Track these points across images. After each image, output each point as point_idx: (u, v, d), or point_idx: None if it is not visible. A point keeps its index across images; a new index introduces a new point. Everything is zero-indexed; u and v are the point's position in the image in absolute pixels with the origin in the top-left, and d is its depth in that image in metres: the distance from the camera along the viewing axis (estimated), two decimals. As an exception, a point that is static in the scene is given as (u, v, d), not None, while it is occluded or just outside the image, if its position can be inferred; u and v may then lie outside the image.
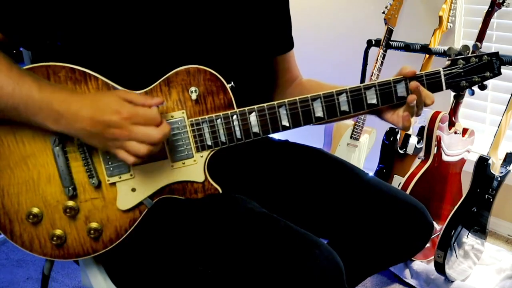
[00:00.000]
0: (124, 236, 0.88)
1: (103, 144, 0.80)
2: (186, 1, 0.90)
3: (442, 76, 0.92)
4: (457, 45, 1.87)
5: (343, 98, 0.90)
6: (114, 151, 0.80)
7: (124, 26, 0.85)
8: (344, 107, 0.90)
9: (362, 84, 0.90)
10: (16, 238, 0.85)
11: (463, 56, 0.93)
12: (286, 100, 0.88)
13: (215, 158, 0.90)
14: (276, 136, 1.15)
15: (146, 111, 0.79)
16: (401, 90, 0.91)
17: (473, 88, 0.95)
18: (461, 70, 0.92)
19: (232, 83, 0.88)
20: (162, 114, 0.84)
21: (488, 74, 0.93)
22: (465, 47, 0.93)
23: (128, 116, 0.77)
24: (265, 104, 0.88)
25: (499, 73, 0.94)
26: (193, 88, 0.86)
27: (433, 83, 0.91)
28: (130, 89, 0.85)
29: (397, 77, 0.91)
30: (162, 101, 0.82)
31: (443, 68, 0.92)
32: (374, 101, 0.91)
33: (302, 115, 0.89)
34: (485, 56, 0.93)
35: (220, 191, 0.90)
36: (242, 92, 0.89)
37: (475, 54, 0.93)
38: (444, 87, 0.92)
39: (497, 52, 0.93)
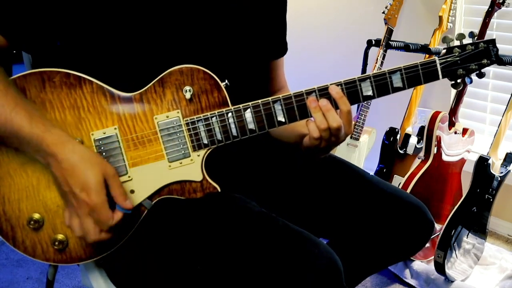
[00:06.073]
0: (125, 238, 0.88)
1: (64, 198, 0.82)
2: (183, 2, 0.90)
3: (438, 65, 0.90)
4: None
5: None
6: (65, 208, 0.82)
7: (120, 25, 0.86)
8: None
9: (356, 76, 0.89)
10: (18, 244, 0.85)
11: (459, 44, 0.91)
12: (280, 96, 0.88)
13: (214, 157, 0.90)
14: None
15: (106, 215, 0.78)
16: (396, 81, 0.90)
17: (471, 76, 0.93)
18: (457, 58, 0.90)
19: (227, 81, 0.88)
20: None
21: (485, 61, 0.91)
22: (461, 35, 0.91)
23: (91, 206, 0.77)
24: (259, 101, 0.87)
25: (497, 60, 0.92)
26: (187, 88, 0.86)
27: (429, 72, 0.90)
28: (126, 89, 0.85)
29: (392, 68, 0.90)
30: (130, 210, 0.82)
31: (438, 57, 0.91)
32: (370, 92, 0.90)
33: (297, 110, 0.88)
34: (482, 43, 0.91)
35: (219, 190, 0.90)
36: (237, 90, 0.89)
37: (471, 42, 0.91)
38: (440, 76, 0.91)
39: (494, 39, 0.91)
